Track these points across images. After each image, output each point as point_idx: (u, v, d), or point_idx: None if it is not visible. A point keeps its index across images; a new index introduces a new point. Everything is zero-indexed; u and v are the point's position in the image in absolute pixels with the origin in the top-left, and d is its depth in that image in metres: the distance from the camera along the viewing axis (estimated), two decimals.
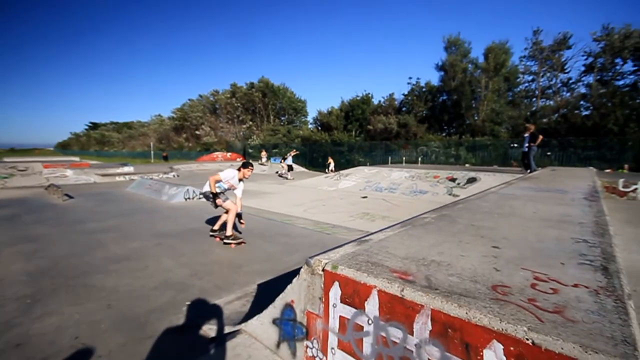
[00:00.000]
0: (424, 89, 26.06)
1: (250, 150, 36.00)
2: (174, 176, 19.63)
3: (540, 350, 0.98)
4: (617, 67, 20.91)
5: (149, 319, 2.89)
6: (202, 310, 3.04)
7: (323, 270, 1.64)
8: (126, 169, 19.80)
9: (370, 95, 29.23)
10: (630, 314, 1.12)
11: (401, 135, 23.47)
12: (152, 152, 37.47)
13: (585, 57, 21.79)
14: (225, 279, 3.84)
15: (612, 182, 9.21)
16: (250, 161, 5.40)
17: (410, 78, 32.59)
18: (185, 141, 49.28)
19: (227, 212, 5.04)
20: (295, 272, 4.04)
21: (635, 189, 9.66)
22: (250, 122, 42.30)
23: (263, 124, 41.62)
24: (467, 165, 17.97)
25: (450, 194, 11.93)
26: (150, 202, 9.63)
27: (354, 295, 1.49)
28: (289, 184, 16.37)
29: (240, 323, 2.30)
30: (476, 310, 1.14)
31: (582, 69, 22.23)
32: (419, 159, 19.98)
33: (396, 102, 27.74)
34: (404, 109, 27.20)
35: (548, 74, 23.57)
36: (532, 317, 1.09)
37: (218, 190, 4.95)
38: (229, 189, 5.16)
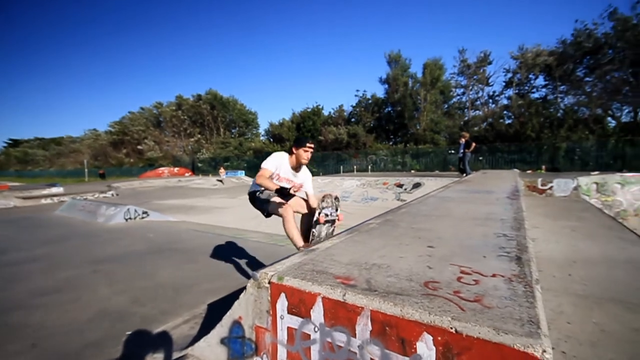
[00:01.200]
0: (370, 101, 27.44)
1: (199, 164, 34.50)
2: (112, 195, 18.04)
3: (462, 337, 1.09)
4: (531, 82, 24.12)
5: (83, 356, 2.60)
6: (144, 339, 2.82)
7: (269, 282, 1.64)
8: (54, 190, 17.71)
9: (320, 107, 29.99)
10: (536, 296, 1.30)
11: (351, 145, 24.32)
12: (86, 170, 34.02)
13: (505, 73, 24.81)
14: (172, 302, 3.60)
15: (533, 182, 10.44)
16: (307, 137, 3.25)
17: (357, 90, 34.12)
18: (126, 157, 45.69)
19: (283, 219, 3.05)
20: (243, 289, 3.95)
21: (551, 186, 11.08)
22: (199, 135, 40.69)
23: (213, 136, 40.27)
24: (412, 171, 19.18)
25: (398, 199, 12.59)
26: (84, 225, 8.72)
27: (300, 305, 1.51)
28: (241, 197, 15.96)
29: (187, 347, 2.18)
30: (409, 307, 1.23)
31: (504, 83, 25.29)
32: (369, 167, 20.83)
33: (345, 113, 28.78)
34: (353, 119, 28.29)
35: (476, 88, 26.37)
36: (456, 308, 1.21)
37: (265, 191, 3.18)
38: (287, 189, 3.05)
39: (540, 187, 10.77)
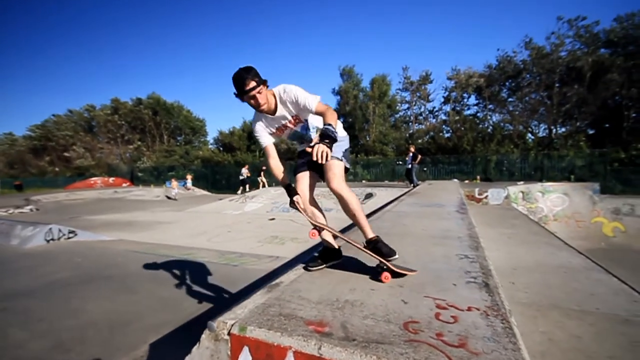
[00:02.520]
0: None
1: (140, 174, 31.71)
2: (31, 210, 15.68)
3: None
4: (465, 100, 26.61)
5: None
6: None
7: (229, 334, 1.41)
8: None
9: None
10: (516, 334, 1.27)
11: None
12: None
13: (443, 91, 27.08)
14: (105, 345, 3.09)
15: (471, 191, 11.32)
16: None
17: None
18: (49, 165, 40.34)
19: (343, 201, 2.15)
20: (198, 323, 3.57)
21: (487, 196, 12.15)
22: (139, 142, 37.52)
23: (155, 144, 37.42)
24: (363, 181, 19.78)
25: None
26: None
27: None
28: (189, 210, 14.91)
29: None
30: None
31: (442, 100, 27.56)
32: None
33: None
34: None
35: (419, 103, 28.35)
36: (444, 358, 1.12)
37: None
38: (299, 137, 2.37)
39: (477, 196, 11.74)
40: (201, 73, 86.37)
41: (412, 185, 13.62)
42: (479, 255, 2.41)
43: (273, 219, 11.93)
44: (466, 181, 16.27)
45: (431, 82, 26.83)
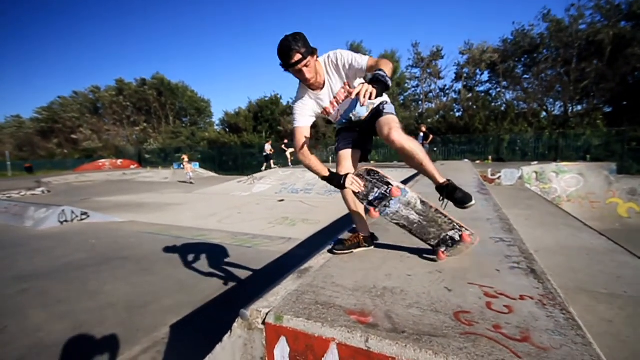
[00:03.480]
0: None
1: (147, 156, 31.81)
2: (43, 192, 15.88)
3: None
4: (478, 76, 25.71)
5: None
6: None
7: (264, 322, 1.32)
8: None
9: (279, 96, 29.11)
10: (582, 327, 1.15)
11: (311, 135, 24.08)
12: (8, 162, 29.58)
13: (455, 67, 26.13)
14: (125, 325, 3.08)
15: (484, 172, 11.07)
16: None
17: None
18: (58, 147, 40.68)
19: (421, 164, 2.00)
20: (215, 305, 3.53)
21: (500, 176, 11.89)
22: (145, 124, 37.46)
23: (161, 125, 37.31)
24: (372, 162, 19.52)
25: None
26: (6, 231, 7.43)
27: (308, 353, 1.22)
28: (197, 192, 14.95)
29: None
30: (454, 356, 1.00)
31: (453, 77, 26.66)
32: (330, 158, 20.79)
33: None
34: None
35: (429, 81, 27.50)
36: (509, 354, 1.00)
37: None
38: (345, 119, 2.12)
39: (490, 177, 11.52)
40: (205, 52, 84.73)
41: None
42: (514, 238, 2.27)
43: (282, 200, 11.89)
44: (477, 161, 15.94)
45: (442, 57, 25.90)
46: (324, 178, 1.97)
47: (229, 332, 1.42)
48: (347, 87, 1.92)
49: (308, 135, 2.00)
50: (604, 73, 19.33)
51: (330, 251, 2.11)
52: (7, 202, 9.52)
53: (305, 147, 1.98)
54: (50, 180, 19.65)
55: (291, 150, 17.88)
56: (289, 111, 28.06)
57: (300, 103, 1.99)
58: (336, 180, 1.93)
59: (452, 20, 54.64)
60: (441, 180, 2.01)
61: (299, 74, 1.81)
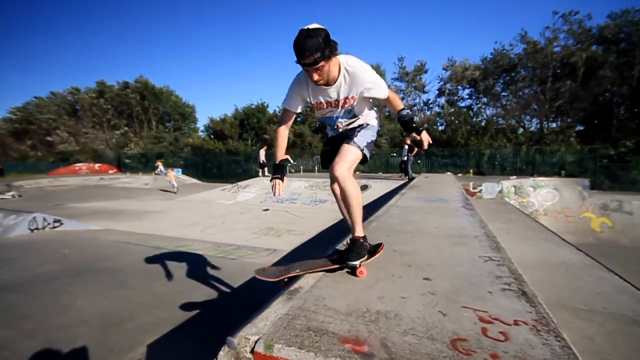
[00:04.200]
0: None
1: (127, 161, 30.85)
2: (13, 197, 15.07)
3: None
4: (460, 92, 26.58)
5: None
6: None
7: (252, 351, 1.24)
8: None
9: (265, 104, 29.07)
10: (578, 356, 1.14)
11: (297, 144, 24.05)
12: None
13: (438, 81, 26.94)
14: (99, 344, 2.89)
15: (466, 185, 11.32)
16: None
17: None
18: (31, 149, 38.86)
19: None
20: (198, 320, 3.38)
21: (481, 190, 12.20)
22: (126, 128, 36.42)
23: (143, 130, 36.38)
24: (357, 172, 19.68)
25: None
26: None
27: None
28: (179, 199, 14.56)
29: None
30: None
31: (437, 92, 27.46)
32: (316, 168, 20.79)
33: None
34: (298, 119, 28.03)
35: (413, 94, 28.19)
36: None
37: None
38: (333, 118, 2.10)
39: (472, 190, 11.79)
40: (190, 57, 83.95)
41: (407, 177, 13.56)
42: (503, 257, 2.29)
43: (267, 209, 11.74)
44: (459, 174, 16.33)
45: (426, 72, 26.64)
46: (277, 162, 2.04)
47: None
48: (344, 104, 1.93)
49: (291, 120, 2.09)
50: (577, 93, 20.40)
51: (346, 266, 1.97)
52: None
53: (284, 127, 2.07)
54: (22, 184, 18.70)
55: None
56: (275, 119, 28.02)
57: (297, 86, 1.95)
58: (273, 171, 2.03)
59: (436, 36, 56.69)
60: (359, 233, 2.03)
61: (307, 72, 1.74)
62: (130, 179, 23.29)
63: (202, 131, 36.70)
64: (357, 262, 1.91)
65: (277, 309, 1.52)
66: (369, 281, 1.87)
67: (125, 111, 37.01)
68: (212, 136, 30.17)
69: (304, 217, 10.19)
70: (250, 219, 9.93)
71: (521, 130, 22.27)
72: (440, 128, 24.02)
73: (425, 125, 24.91)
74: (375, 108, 2.20)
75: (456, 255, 2.34)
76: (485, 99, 25.13)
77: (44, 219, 7.41)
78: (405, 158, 13.81)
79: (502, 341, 1.23)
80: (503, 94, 25.08)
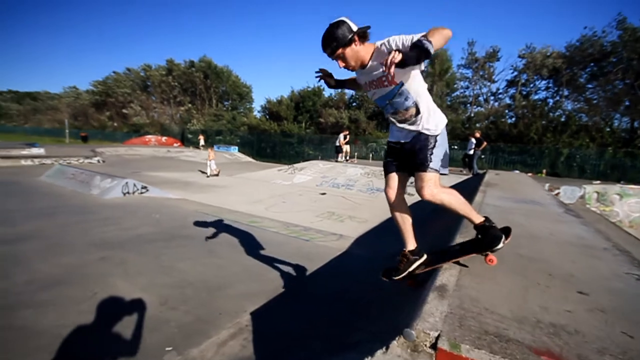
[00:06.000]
0: None
1: (189, 136, 33.08)
2: (98, 162, 16.96)
3: None
4: (536, 83, 24.02)
5: None
6: (190, 359, 2.39)
7: (434, 347, 1.23)
8: (35, 151, 16.53)
9: (322, 88, 28.99)
10: None
11: (351, 130, 23.77)
12: (67, 130, 31.99)
13: (512, 71, 24.56)
14: (206, 307, 3.16)
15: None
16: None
17: None
18: (109, 120, 43.37)
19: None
20: (290, 296, 3.51)
21: (558, 193, 11.10)
22: (190, 105, 38.90)
23: (204, 107, 38.60)
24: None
25: (406, 194, 12.34)
26: (76, 197, 7.98)
27: None
28: (238, 175, 15.30)
29: None
30: None
31: (506, 81, 25.11)
32: (370, 155, 20.49)
33: (347, 97, 27.99)
34: (354, 104, 27.60)
35: (480, 83, 26.10)
36: None
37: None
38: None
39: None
40: (250, 38, 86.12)
41: (471, 173, 12.78)
42: None
43: (324, 193, 11.86)
44: (529, 174, 14.98)
45: (498, 59, 24.38)
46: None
47: (383, 349, 1.35)
48: (389, 81, 1.80)
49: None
50: None
51: (388, 278, 2.11)
52: (74, 169, 10.24)
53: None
54: (104, 151, 20.97)
55: (347, 147, 17.05)
56: (330, 103, 27.88)
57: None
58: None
59: (514, 20, 51.27)
60: (480, 220, 2.01)
61: (338, 62, 1.81)
62: (192, 153, 24.95)
63: (258, 111, 37.94)
64: (501, 244, 1.92)
65: (436, 305, 1.49)
66: (513, 286, 1.76)
67: (190, 89, 39.41)
68: (267, 117, 31.03)
69: (363, 204, 10.13)
70: (310, 202, 10.11)
71: (608, 129, 19.59)
72: (509, 121, 22.02)
73: (492, 118, 23.09)
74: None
75: (596, 268, 2.12)
76: (566, 92, 22.45)
77: (134, 185, 8.25)
78: (471, 152, 12.96)
79: None
80: (588, 86, 22.19)
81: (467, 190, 7.13)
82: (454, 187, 7.39)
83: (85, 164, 15.54)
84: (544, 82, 24.13)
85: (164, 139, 31.43)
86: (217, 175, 14.56)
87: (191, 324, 2.85)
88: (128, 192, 8.06)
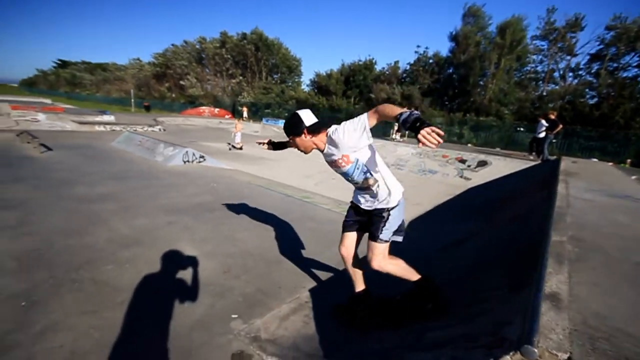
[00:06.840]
0: (431, 60, 24.82)
1: (240, 108, 34.07)
2: (160, 130, 18.17)
3: None
4: (627, 58, 20.49)
5: (193, 343, 2.25)
6: (255, 329, 2.44)
7: None
8: (106, 118, 18.13)
9: (373, 61, 27.71)
10: None
11: (403, 107, 22.70)
12: (132, 100, 34.68)
13: (598, 44, 21.15)
14: (266, 279, 3.21)
15: None
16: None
17: (418, 46, 31.02)
18: (168, 91, 46.11)
19: None
20: (343, 275, 3.44)
21: None
22: (241, 77, 39.75)
23: (254, 80, 39.20)
24: (469, 145, 17.64)
25: (461, 177, 11.59)
26: (143, 162, 8.63)
27: None
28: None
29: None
30: None
31: (591, 55, 21.70)
32: None
33: (400, 71, 26.46)
34: (407, 79, 26.06)
35: (557, 57, 22.92)
36: None
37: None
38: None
39: None
40: (301, 9, 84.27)
41: (540, 159, 11.53)
42: None
43: None
44: (610, 164, 13.15)
45: (582, 29, 21.01)
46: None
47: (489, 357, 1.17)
48: (344, 162, 2.08)
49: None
50: None
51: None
52: (141, 137, 11.05)
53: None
54: (164, 120, 22.41)
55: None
56: (382, 78, 26.63)
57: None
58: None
59: None
60: (415, 278, 2.30)
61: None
62: (242, 125, 25.73)
63: (307, 85, 37.63)
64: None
65: (553, 318, 1.27)
66: (636, 299, 1.46)
67: (241, 61, 40.11)
68: (316, 91, 30.66)
69: (415, 186, 9.72)
70: None
71: None
72: (590, 102, 19.23)
73: (569, 97, 20.30)
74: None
75: None
76: None
77: (193, 154, 8.68)
78: (542, 135, 11.61)
79: None
80: None
81: (538, 178, 6.40)
82: (517, 173, 6.69)
83: (149, 132, 16.76)
84: (637, 57, 20.48)
85: (216, 110, 32.75)
86: (240, 149, 14.35)
87: (253, 294, 2.91)
88: (188, 161, 8.51)
